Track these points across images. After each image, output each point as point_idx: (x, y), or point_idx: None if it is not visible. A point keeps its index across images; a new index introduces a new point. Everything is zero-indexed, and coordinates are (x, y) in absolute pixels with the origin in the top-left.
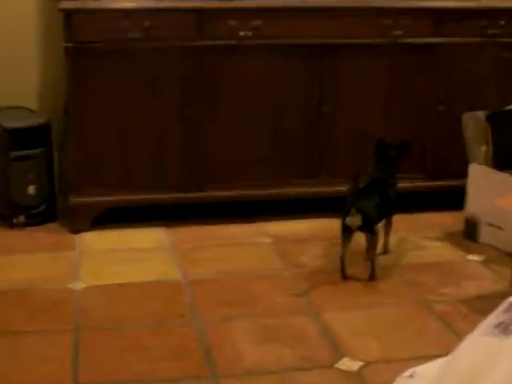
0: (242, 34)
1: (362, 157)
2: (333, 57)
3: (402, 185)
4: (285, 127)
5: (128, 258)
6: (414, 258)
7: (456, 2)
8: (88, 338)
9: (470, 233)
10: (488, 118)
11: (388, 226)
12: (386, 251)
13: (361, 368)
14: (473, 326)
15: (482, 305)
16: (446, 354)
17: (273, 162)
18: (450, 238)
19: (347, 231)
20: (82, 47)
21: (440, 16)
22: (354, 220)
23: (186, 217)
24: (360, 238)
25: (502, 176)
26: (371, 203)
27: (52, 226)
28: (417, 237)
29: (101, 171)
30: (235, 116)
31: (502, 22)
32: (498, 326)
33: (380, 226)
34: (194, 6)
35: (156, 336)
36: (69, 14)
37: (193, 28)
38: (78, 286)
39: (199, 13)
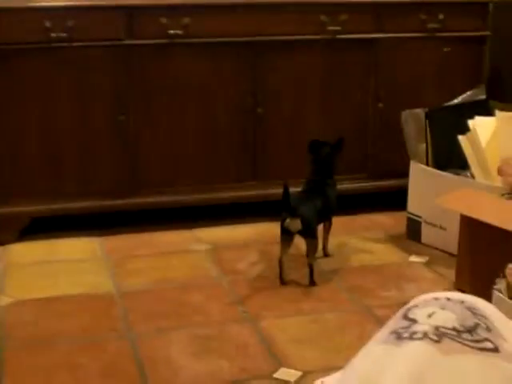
0: (172, 32)
1: (299, 158)
2: (267, 55)
3: (342, 185)
4: (219, 129)
5: (58, 269)
6: (355, 261)
7: None
8: (13, 358)
9: (412, 234)
10: (427, 116)
11: (327, 227)
12: (326, 254)
13: (299, 378)
14: None
15: None
16: None
17: (207, 165)
18: (392, 239)
19: (286, 235)
20: (1, 48)
21: (378, 10)
22: (293, 224)
23: (119, 225)
24: (300, 243)
25: (442, 174)
26: (310, 206)
27: None
28: (358, 239)
29: (26, 179)
30: (167, 118)
31: (441, 16)
32: (392, 333)
33: (319, 228)
34: (122, 4)
35: (87, 353)
36: None
37: (121, 27)
38: (3, 301)
39: (127, 10)
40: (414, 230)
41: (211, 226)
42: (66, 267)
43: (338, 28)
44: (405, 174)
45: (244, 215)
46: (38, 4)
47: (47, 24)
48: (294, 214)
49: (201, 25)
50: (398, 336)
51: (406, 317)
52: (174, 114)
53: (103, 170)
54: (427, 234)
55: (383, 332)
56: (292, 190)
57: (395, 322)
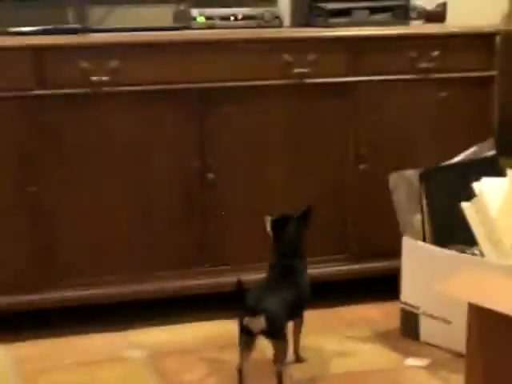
0: (95, 78)
1: (259, 236)
2: (218, 105)
3: (317, 270)
4: (157, 201)
5: None
6: (335, 367)
7: (377, 28)
8: None
9: (407, 329)
10: (421, 179)
11: (299, 324)
12: (298, 359)
13: None
14: None
15: None
16: None
17: (143, 248)
18: (382, 337)
19: (247, 336)
20: None
21: (355, 47)
22: (256, 322)
23: (31, 327)
24: (264, 344)
25: (443, 253)
26: (276, 298)
27: None
28: (338, 338)
29: None
30: (91, 188)
31: (436, 53)
32: None
33: (289, 326)
34: (30, 44)
35: None
36: None
37: (29, 72)
38: None
39: (37, 52)
40: (409, 324)
41: (149, 327)
42: None
43: (306, 70)
44: (396, 253)
45: (191, 311)
46: None
47: None
48: (254, 312)
49: (132, 69)
50: None
51: None
52: (100, 182)
53: (8, 256)
54: (427, 329)
55: None
56: (252, 277)
57: None
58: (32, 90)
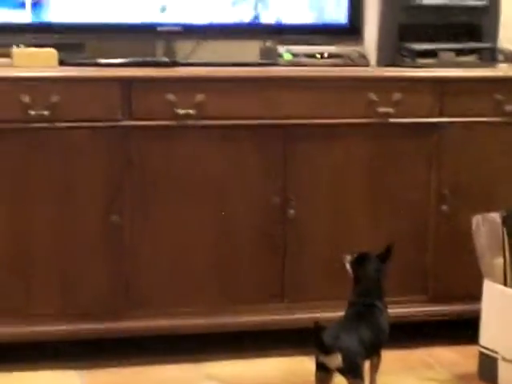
0: (181, 111)
1: (340, 274)
2: (300, 142)
3: (395, 310)
4: (238, 235)
5: None
6: None
7: (463, 70)
8: None
9: (485, 373)
10: (504, 222)
11: (376, 364)
12: None
13: None
14: None
15: None
16: None
17: (222, 281)
18: (460, 380)
19: (323, 372)
20: None
21: (441, 88)
22: (332, 360)
23: (106, 355)
24: (340, 382)
25: None
26: (354, 336)
27: None
28: (415, 379)
29: None
30: (173, 219)
31: None
32: None
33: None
34: (120, 75)
35: None
36: None
37: (117, 104)
38: None
39: (126, 84)
40: (488, 369)
41: (225, 359)
42: None
43: (391, 110)
44: (476, 296)
45: (268, 346)
46: (14, 74)
47: (25, 99)
48: (332, 349)
49: (218, 103)
50: None
51: None
52: (182, 214)
53: (88, 284)
54: (506, 375)
55: None
56: (330, 315)
57: None
58: (119, 121)
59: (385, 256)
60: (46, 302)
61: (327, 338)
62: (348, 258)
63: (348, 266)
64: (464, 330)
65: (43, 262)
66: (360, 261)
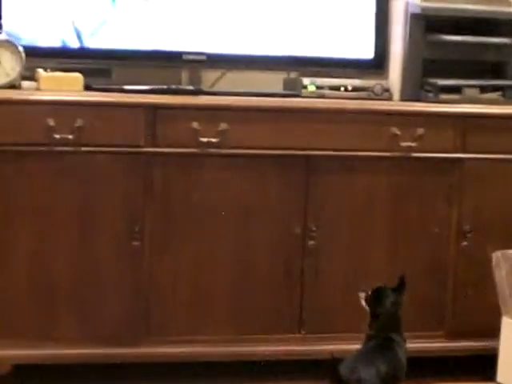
0: (204, 139)
1: (357, 306)
2: (321, 173)
3: (413, 345)
4: (257, 265)
5: None
6: None
7: (486, 107)
8: None
9: None
10: None
11: None
12: None
13: None
14: None
15: None
16: None
17: (239, 311)
18: None
19: None
20: None
21: (463, 124)
22: None
23: (122, 379)
24: None
25: None
26: (372, 369)
27: None
28: None
29: (11, 317)
30: (193, 247)
31: None
32: None
33: None
34: (144, 102)
35: None
36: None
37: (141, 130)
38: None
39: (151, 110)
40: None
41: None
42: None
43: (413, 144)
44: (494, 333)
45: (284, 376)
46: (39, 97)
47: (50, 122)
48: (348, 381)
49: (241, 132)
50: None
51: None
52: (202, 242)
53: (108, 308)
54: None
55: None
56: (347, 347)
57: None
58: (142, 147)
59: (400, 288)
60: (66, 325)
61: (344, 370)
62: (363, 295)
63: (363, 303)
64: (481, 366)
65: (65, 286)
66: (376, 296)
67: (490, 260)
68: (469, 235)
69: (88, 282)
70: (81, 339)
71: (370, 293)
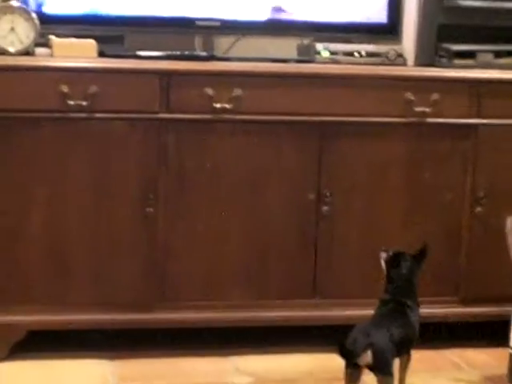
0: (218, 105)
1: (371, 272)
2: (336, 140)
3: (427, 310)
4: (269, 231)
5: None
6: None
7: (501, 71)
8: None
9: None
10: None
11: (405, 363)
12: None
13: None
14: None
15: None
16: None
17: (254, 276)
18: (488, 382)
19: (353, 369)
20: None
21: (479, 89)
22: (362, 356)
23: (138, 346)
24: (369, 380)
25: None
26: (385, 333)
27: None
28: (444, 379)
29: (25, 283)
30: (207, 213)
31: None
32: None
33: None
34: (159, 68)
35: None
36: None
37: (156, 96)
38: None
39: (165, 77)
40: None
41: (255, 354)
42: None
43: (428, 109)
44: (508, 298)
45: (297, 341)
46: (53, 63)
47: (64, 89)
48: (366, 339)
49: (255, 98)
50: None
51: None
52: (216, 208)
53: (122, 275)
54: None
55: None
56: (361, 312)
57: None
58: (157, 113)
59: (420, 256)
60: (80, 290)
61: (357, 334)
62: (384, 255)
63: (383, 264)
64: (496, 332)
65: (79, 252)
66: (395, 259)
67: (503, 226)
68: (483, 201)
69: (102, 248)
70: (95, 305)
71: (390, 255)
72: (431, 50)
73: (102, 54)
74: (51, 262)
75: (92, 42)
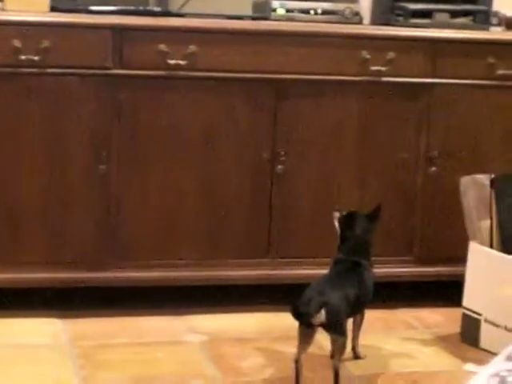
0: (172, 62)
1: (326, 231)
2: (291, 98)
3: (381, 270)
4: (226, 189)
5: (8, 357)
6: (392, 366)
7: (457, 31)
8: None
9: (468, 335)
10: (493, 184)
11: (359, 322)
12: (356, 356)
13: None
14: None
15: None
16: None
17: (209, 235)
18: (441, 341)
19: (306, 328)
20: None
21: (434, 49)
22: (316, 316)
23: (90, 304)
24: (322, 339)
25: (510, 260)
26: (339, 293)
27: None
28: (398, 339)
29: None
30: (161, 170)
31: None
32: (495, 375)
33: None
34: (112, 23)
35: None
36: None
37: (108, 52)
38: None
39: (118, 32)
40: (470, 330)
41: (209, 313)
42: (21, 355)
43: (384, 68)
44: (461, 258)
45: (252, 300)
46: (5, 17)
47: (16, 44)
48: (319, 298)
49: (209, 55)
50: (502, 380)
51: (510, 358)
52: (170, 165)
53: (74, 233)
54: (488, 336)
55: (482, 376)
56: (316, 271)
57: (497, 364)
58: (109, 69)
59: (373, 216)
60: (32, 249)
61: (312, 293)
62: (337, 214)
63: (336, 223)
64: (450, 292)
65: (31, 210)
66: (348, 219)
67: (457, 186)
68: (437, 161)
69: (54, 205)
70: (46, 263)
71: (343, 214)
72: (388, 9)
73: (54, 9)
74: (1, 220)
75: None
